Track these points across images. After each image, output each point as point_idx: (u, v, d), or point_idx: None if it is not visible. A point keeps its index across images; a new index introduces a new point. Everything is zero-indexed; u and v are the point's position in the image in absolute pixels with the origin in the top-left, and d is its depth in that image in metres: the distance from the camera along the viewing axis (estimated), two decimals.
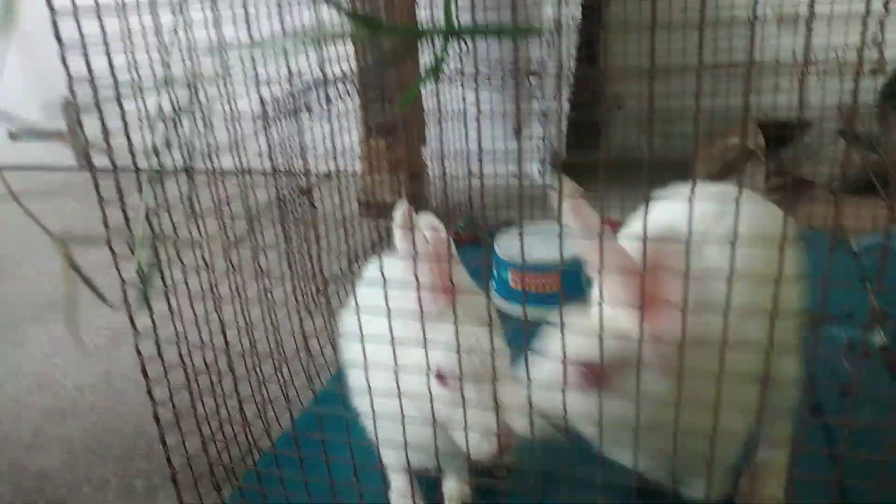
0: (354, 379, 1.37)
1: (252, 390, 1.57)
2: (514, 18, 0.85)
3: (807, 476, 0.92)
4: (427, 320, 1.09)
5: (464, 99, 2.77)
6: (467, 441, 1.11)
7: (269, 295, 1.54)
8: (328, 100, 1.62)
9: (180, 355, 1.30)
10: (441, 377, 1.15)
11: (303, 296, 1.76)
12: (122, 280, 1.13)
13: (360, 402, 1.33)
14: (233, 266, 1.45)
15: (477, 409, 1.09)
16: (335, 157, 1.56)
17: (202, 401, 1.37)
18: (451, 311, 1.07)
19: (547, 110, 3.26)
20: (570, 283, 2.22)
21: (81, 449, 1.89)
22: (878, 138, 2.67)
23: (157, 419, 1.33)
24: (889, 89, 2.74)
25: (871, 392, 1.72)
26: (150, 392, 1.30)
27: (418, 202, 3.05)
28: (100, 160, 1.17)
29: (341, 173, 1.83)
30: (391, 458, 1.38)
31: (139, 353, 1.29)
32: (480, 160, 0.93)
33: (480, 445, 1.11)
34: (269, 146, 1.50)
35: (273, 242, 1.59)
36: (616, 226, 3.08)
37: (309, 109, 1.58)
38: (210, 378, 1.36)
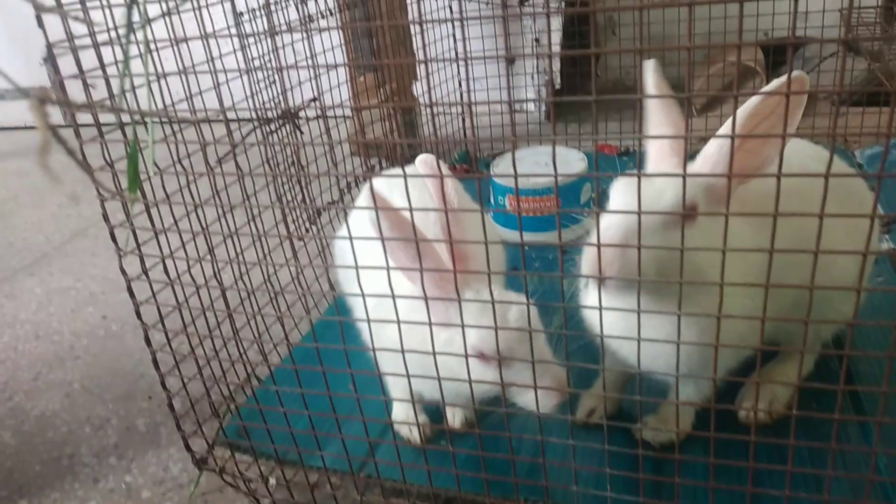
0: (361, 311, 1.33)
1: (249, 323, 1.53)
2: None
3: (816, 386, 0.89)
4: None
5: (454, 37, 2.68)
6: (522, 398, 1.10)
7: (256, 223, 1.50)
8: (309, 18, 1.54)
9: (175, 295, 1.26)
10: (483, 357, 1.10)
11: (294, 223, 1.71)
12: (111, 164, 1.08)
13: (365, 335, 1.29)
14: (218, 195, 1.40)
15: (527, 376, 1.05)
16: (318, 77, 1.50)
17: (199, 337, 1.34)
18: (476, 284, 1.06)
19: (540, 37, 3.16)
20: (566, 205, 2.19)
21: (81, 392, 1.87)
22: (881, 46, 2.58)
23: (155, 362, 1.30)
24: None
25: (881, 297, 1.69)
26: (147, 337, 1.27)
27: (411, 138, 2.98)
28: (83, 117, 1.12)
29: (325, 101, 1.76)
30: (396, 387, 1.36)
31: (132, 294, 1.25)
32: (471, 92, 0.87)
33: (546, 402, 1.07)
34: (248, 65, 1.43)
35: (259, 171, 1.53)
36: (615, 151, 3.01)
37: (288, 26, 1.50)
38: (205, 315, 1.33)
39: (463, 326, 1.03)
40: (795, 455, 0.92)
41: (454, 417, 1.40)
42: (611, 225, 1.00)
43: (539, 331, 1.11)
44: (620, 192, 1.08)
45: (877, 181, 0.75)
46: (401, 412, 1.42)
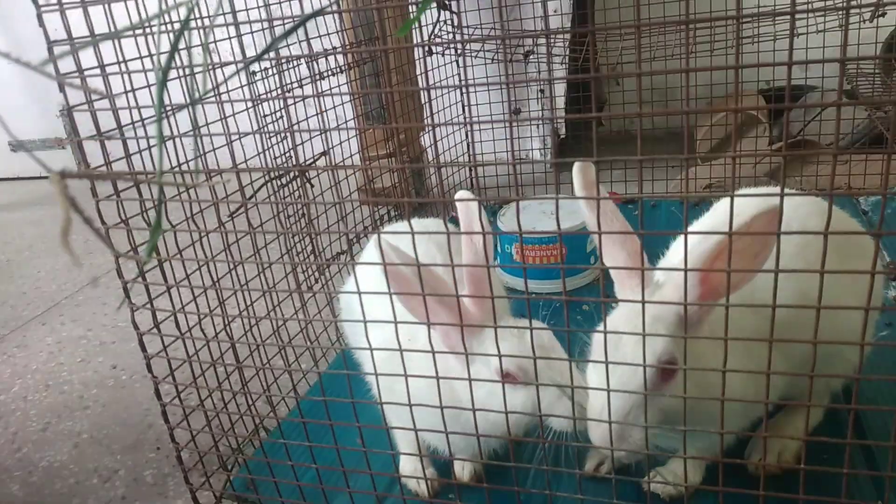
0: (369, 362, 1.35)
1: (258, 375, 1.54)
2: None
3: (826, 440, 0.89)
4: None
5: (463, 101, 2.73)
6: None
7: (266, 276, 1.52)
8: (319, 76, 1.59)
9: (185, 348, 1.28)
10: (510, 377, 1.11)
11: (303, 273, 1.73)
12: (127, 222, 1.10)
13: (374, 387, 1.30)
14: (229, 250, 1.42)
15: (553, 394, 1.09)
16: (327, 133, 1.54)
17: (208, 389, 1.35)
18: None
19: (544, 87, 3.22)
20: (572, 254, 2.20)
21: (89, 442, 1.88)
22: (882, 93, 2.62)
23: (164, 415, 1.32)
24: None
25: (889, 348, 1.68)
26: (157, 390, 1.29)
27: (418, 188, 3.02)
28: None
29: (335, 152, 1.80)
30: (404, 440, 1.36)
31: (143, 348, 1.27)
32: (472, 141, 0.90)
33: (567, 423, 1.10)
34: (259, 123, 1.47)
35: (269, 222, 1.56)
36: (619, 200, 3.04)
37: (300, 84, 1.55)
38: (214, 368, 1.34)
39: (466, 355, 1.04)
40: None
41: (463, 470, 1.40)
42: (602, 409, 1.02)
43: (557, 358, 1.13)
44: (596, 369, 1.07)
45: (875, 239, 0.77)
46: (408, 465, 1.42)
